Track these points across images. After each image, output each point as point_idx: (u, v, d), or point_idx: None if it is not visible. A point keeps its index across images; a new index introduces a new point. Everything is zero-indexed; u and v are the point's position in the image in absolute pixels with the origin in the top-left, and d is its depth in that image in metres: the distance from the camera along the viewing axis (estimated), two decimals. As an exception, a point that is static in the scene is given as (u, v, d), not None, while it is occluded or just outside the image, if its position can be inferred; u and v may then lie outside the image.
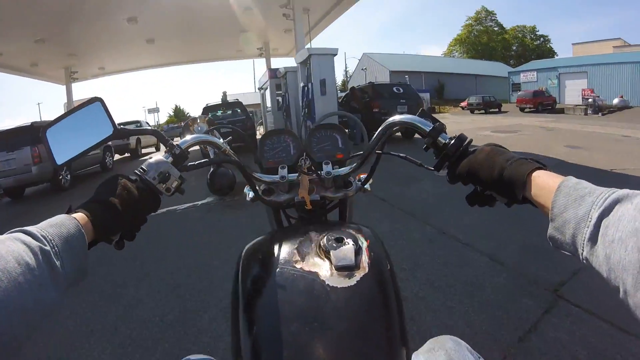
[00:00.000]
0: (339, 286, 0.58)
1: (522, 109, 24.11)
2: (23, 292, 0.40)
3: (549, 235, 0.49)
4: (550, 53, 45.23)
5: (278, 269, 0.64)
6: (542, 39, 47.55)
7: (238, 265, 0.71)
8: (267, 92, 13.49)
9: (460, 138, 0.67)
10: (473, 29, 47.08)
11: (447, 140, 0.68)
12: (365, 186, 0.90)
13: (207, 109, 10.92)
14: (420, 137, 0.73)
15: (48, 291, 0.44)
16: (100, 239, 0.58)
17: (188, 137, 0.74)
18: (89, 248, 0.55)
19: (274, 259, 0.67)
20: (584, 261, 0.43)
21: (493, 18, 47.68)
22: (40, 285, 0.42)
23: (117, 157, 14.74)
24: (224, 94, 12.83)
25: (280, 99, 11.97)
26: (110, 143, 8.47)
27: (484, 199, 0.65)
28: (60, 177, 8.05)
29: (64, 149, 0.67)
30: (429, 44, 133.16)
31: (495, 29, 47.50)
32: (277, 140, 0.99)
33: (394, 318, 0.59)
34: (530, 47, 46.47)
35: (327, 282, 0.58)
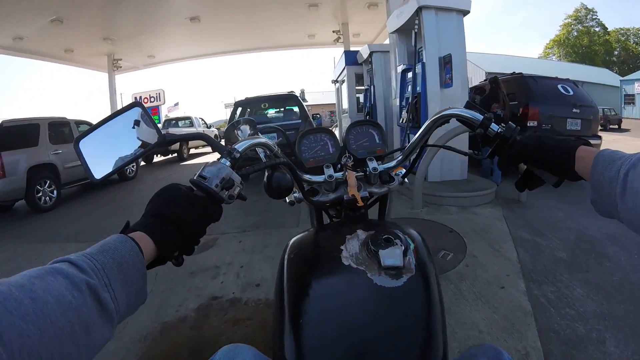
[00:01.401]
0: (386, 285, 0.59)
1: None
2: (64, 338, 0.35)
3: (590, 199, 0.55)
4: (657, 60, 38.20)
5: (326, 264, 0.66)
6: (647, 43, 40.39)
7: (283, 257, 0.72)
8: (344, 87, 10.31)
9: (510, 127, 0.70)
10: (572, 28, 41.16)
11: (499, 129, 0.70)
12: (405, 179, 0.92)
13: (240, 105, 6.76)
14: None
15: (96, 330, 0.40)
16: (166, 257, 0.55)
17: (242, 139, 0.73)
18: (152, 267, 0.54)
19: (322, 254, 0.72)
20: (620, 216, 0.49)
21: (594, 17, 41.40)
22: (86, 326, 0.38)
23: (158, 158, 13.10)
24: (302, 92, 11.30)
25: (361, 96, 9.07)
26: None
27: (533, 181, 0.70)
28: (40, 195, 5.95)
29: (101, 161, 0.63)
30: (516, 47, 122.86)
31: (597, 29, 41.12)
32: (314, 140, 0.97)
33: (437, 323, 0.59)
34: (635, 52, 39.62)
35: (374, 281, 0.59)
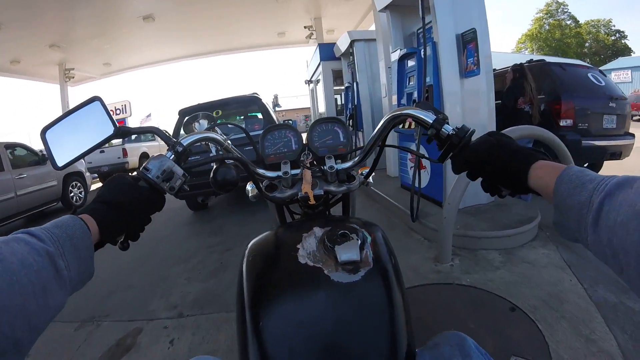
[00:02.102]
0: (343, 281, 0.59)
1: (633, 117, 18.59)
2: (27, 295, 0.39)
3: (554, 222, 0.53)
4: (627, 50, 38.82)
5: (283, 265, 0.66)
6: (617, 34, 40.95)
7: (243, 261, 0.72)
8: (320, 87, 8.83)
9: (463, 129, 0.68)
10: (544, 22, 41.26)
11: (451, 131, 0.69)
12: (368, 180, 0.94)
13: (186, 114, 4.82)
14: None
15: (53, 294, 0.43)
16: (106, 240, 0.59)
17: (190, 134, 0.75)
18: (96, 249, 0.56)
19: (279, 255, 0.71)
20: (589, 246, 0.45)
21: (565, 10, 41.68)
22: (45, 287, 0.42)
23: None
24: (275, 97, 10.95)
25: (340, 97, 7.70)
26: (84, 170, 7.81)
27: (491, 189, 0.65)
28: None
29: (64, 150, 0.67)
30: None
31: (569, 22, 41.42)
32: (278, 136, 0.97)
33: (399, 314, 0.59)
34: (606, 44, 40.07)
35: (331, 277, 0.59)
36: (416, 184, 3.17)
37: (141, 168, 0.66)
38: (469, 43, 3.19)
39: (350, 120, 6.37)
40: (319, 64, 8.06)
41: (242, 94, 5.44)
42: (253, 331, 0.58)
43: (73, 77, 12.16)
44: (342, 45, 6.66)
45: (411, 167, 4.05)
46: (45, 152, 0.69)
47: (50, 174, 6.77)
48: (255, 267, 0.69)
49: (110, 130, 0.68)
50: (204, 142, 0.80)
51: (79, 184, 7.56)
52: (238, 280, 0.69)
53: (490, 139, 0.63)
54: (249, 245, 0.76)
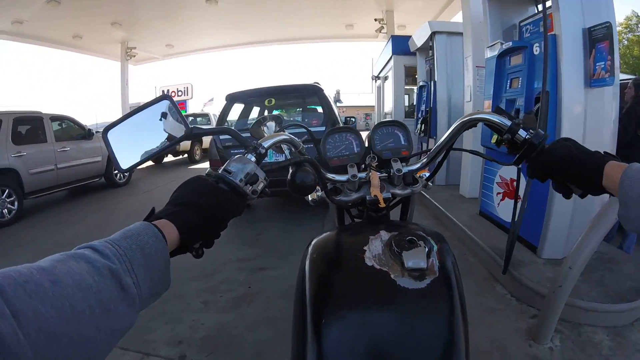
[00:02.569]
0: (409, 287, 0.58)
1: None
2: (82, 321, 0.35)
3: (619, 214, 0.54)
4: None
5: (349, 265, 0.67)
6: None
7: (304, 258, 0.71)
8: (389, 83, 7.89)
9: (539, 134, 0.68)
10: (622, 38, 35.89)
11: (526, 136, 0.69)
12: (429, 182, 0.92)
13: (235, 100, 4.55)
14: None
15: (118, 315, 0.40)
16: (185, 246, 0.56)
17: (268, 136, 0.74)
18: (175, 255, 0.55)
19: (344, 255, 0.72)
20: None
21: (645, 25, 35.82)
22: (108, 310, 0.38)
23: (168, 159, 11.68)
24: (337, 93, 10.45)
25: (409, 97, 6.92)
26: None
27: (563, 189, 0.66)
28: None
29: (128, 152, 0.65)
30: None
31: (649, 38, 35.57)
32: (339, 139, 0.97)
33: (459, 326, 0.58)
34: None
35: (397, 282, 0.59)
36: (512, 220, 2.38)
37: (221, 170, 0.63)
38: (600, 42, 2.31)
39: (423, 125, 5.55)
40: (390, 57, 7.23)
41: (300, 83, 4.64)
42: (313, 330, 0.57)
43: (134, 56, 12.37)
44: (420, 38, 5.81)
45: (498, 194, 3.22)
46: (108, 151, 0.62)
47: (94, 150, 6.69)
48: (319, 265, 0.69)
49: (181, 131, 0.65)
50: (280, 144, 0.78)
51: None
52: (299, 277, 0.69)
53: (566, 143, 0.65)
54: (312, 242, 0.76)
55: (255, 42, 13.55)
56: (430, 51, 5.36)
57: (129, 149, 0.65)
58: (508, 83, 2.98)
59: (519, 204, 2.41)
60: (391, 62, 7.23)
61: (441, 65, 5.15)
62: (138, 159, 0.65)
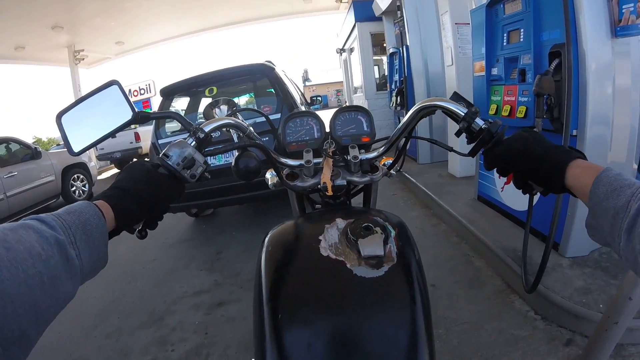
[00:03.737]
0: (366, 276, 0.57)
1: None
2: (33, 286, 0.38)
3: (586, 223, 0.52)
4: None
5: (304, 256, 0.66)
6: None
7: (261, 250, 0.71)
8: (355, 55, 7.43)
9: (496, 123, 0.67)
10: None
11: (483, 125, 0.68)
12: (391, 171, 0.91)
13: (169, 94, 3.79)
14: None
15: (62, 283, 0.42)
16: (122, 228, 0.58)
17: (210, 120, 0.74)
18: (111, 237, 0.56)
19: (300, 246, 0.70)
20: (620, 252, 0.45)
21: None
22: (54, 277, 0.41)
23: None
24: (305, 72, 9.07)
25: (379, 68, 6.30)
26: (87, 160, 7.08)
27: (523, 186, 0.64)
28: None
29: (81, 135, 0.67)
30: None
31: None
32: (300, 123, 0.95)
33: (420, 311, 0.57)
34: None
35: (354, 272, 0.58)
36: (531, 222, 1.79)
37: (161, 154, 0.65)
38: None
39: (398, 97, 4.91)
40: (354, 26, 6.58)
41: (247, 63, 3.80)
42: (271, 324, 0.56)
43: (84, 59, 11.48)
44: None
45: (501, 176, 2.64)
46: (62, 139, 0.65)
47: (46, 169, 6.11)
48: (274, 258, 0.68)
49: (129, 115, 0.67)
50: (225, 129, 0.79)
51: (81, 176, 6.84)
52: (256, 270, 0.68)
53: (525, 134, 0.62)
54: (269, 234, 0.74)
55: (209, 28, 12.58)
56: (399, 12, 4.67)
57: (81, 133, 0.67)
58: (505, 37, 2.34)
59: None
60: (355, 31, 6.63)
61: (413, 27, 4.50)
62: (90, 142, 0.67)
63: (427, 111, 0.77)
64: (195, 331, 2.22)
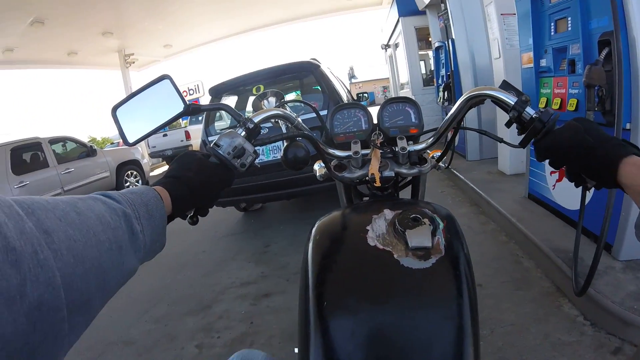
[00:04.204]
0: (413, 267, 0.57)
1: None
2: (102, 251, 0.38)
3: (636, 224, 0.51)
4: None
5: (351, 246, 0.66)
6: None
7: (309, 239, 0.71)
8: (400, 51, 7.24)
9: (548, 112, 0.64)
10: None
11: (534, 114, 0.66)
12: (439, 163, 0.89)
13: (218, 93, 3.92)
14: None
15: (127, 255, 0.43)
16: (177, 214, 0.60)
17: (259, 111, 0.76)
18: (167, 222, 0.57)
19: (347, 235, 0.70)
20: None
21: None
22: (120, 247, 0.41)
23: None
24: (351, 70, 10.34)
25: (425, 63, 6.15)
26: (140, 157, 7.48)
27: (577, 178, 0.62)
28: None
29: (135, 127, 0.70)
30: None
31: None
32: (347, 115, 0.95)
33: (467, 305, 0.55)
34: None
35: (401, 262, 0.57)
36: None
37: (212, 144, 0.67)
38: None
39: (446, 92, 4.78)
40: (397, 21, 6.45)
41: (293, 61, 3.86)
42: (316, 312, 0.57)
43: (134, 63, 12.14)
44: (429, -9, 5.00)
45: (553, 172, 2.50)
46: (117, 130, 0.69)
47: (101, 165, 6.59)
48: (322, 247, 0.68)
49: (180, 107, 0.69)
50: (274, 120, 0.80)
51: (135, 173, 7.31)
52: (303, 260, 0.68)
53: (576, 124, 0.59)
54: (316, 223, 0.75)
55: (254, 28, 12.91)
56: (442, 4, 4.54)
57: (136, 125, 0.70)
58: (552, 27, 2.23)
59: (588, 192, 1.72)
60: (399, 26, 6.49)
61: (458, 20, 4.35)
62: (143, 133, 0.69)
63: (476, 100, 0.75)
64: (240, 320, 2.31)
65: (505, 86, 0.72)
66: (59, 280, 0.31)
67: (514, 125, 0.71)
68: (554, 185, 2.52)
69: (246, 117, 0.72)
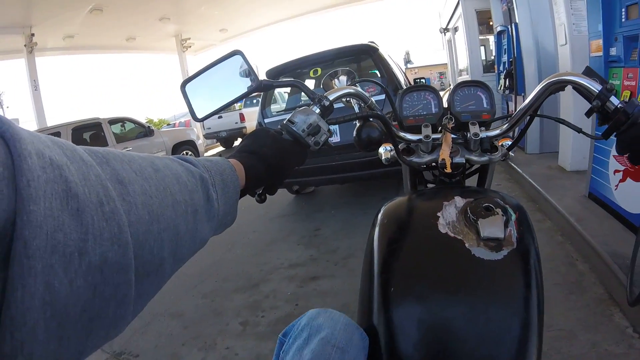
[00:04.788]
0: (485, 258, 0.56)
1: None
2: (178, 212, 0.35)
3: None
4: None
5: (420, 232, 0.64)
6: None
7: (374, 223, 0.70)
8: (459, 35, 6.93)
9: (633, 103, 0.62)
10: None
11: (619, 104, 0.62)
12: (510, 152, 0.86)
13: (272, 75, 3.86)
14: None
15: (201, 222, 0.40)
16: (249, 189, 0.59)
17: (334, 89, 0.74)
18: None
19: (416, 221, 0.69)
20: None
21: None
22: (195, 212, 0.39)
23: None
24: (407, 54, 9.21)
25: (485, 49, 5.90)
26: (196, 138, 7.62)
27: None
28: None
29: (204, 103, 0.69)
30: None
31: None
32: (417, 97, 0.93)
33: (535, 300, 0.54)
34: None
35: (472, 252, 0.56)
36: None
37: (285, 121, 0.65)
38: None
39: (507, 80, 4.53)
40: (457, 3, 6.13)
41: (350, 44, 3.75)
42: (382, 296, 0.56)
43: (190, 47, 12.41)
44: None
45: (617, 171, 2.31)
46: (186, 105, 0.68)
47: (157, 145, 6.85)
48: (389, 231, 0.67)
49: (252, 83, 0.68)
50: (345, 99, 0.77)
51: (190, 153, 7.47)
52: (368, 243, 0.67)
53: None
54: (383, 207, 0.74)
55: (309, 12, 12.75)
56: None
57: (204, 101, 0.69)
58: (623, 12, 2.03)
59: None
60: (459, 9, 6.16)
61: (522, 2, 4.06)
62: (212, 109, 0.69)
63: (557, 87, 0.71)
64: (287, 301, 2.36)
65: (589, 72, 0.69)
66: (128, 237, 0.28)
67: (594, 115, 0.67)
68: (617, 186, 2.33)
69: (321, 95, 0.69)
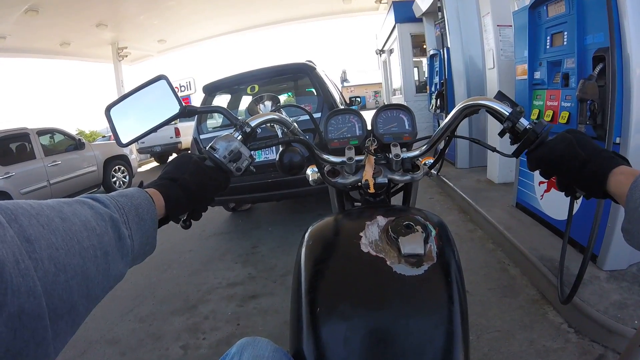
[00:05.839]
0: (406, 274, 0.57)
1: None
2: (87, 259, 0.38)
3: (622, 227, 0.51)
4: None
5: (344, 251, 0.66)
6: None
7: (302, 244, 0.71)
8: (394, 57, 7.34)
9: (541, 124, 0.66)
10: None
11: (528, 125, 0.67)
12: (431, 170, 0.90)
13: (211, 91, 3.86)
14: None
15: (113, 261, 0.42)
16: (170, 217, 0.60)
17: (256, 115, 0.76)
18: (159, 226, 0.56)
19: (340, 241, 0.71)
20: None
21: None
22: (106, 253, 0.41)
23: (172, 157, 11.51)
24: (343, 73, 9.07)
25: (419, 70, 6.25)
26: (129, 153, 7.31)
27: (567, 189, 0.64)
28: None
29: (129, 128, 0.69)
30: None
31: None
32: (342, 120, 0.95)
33: (458, 312, 0.56)
34: None
35: (394, 269, 0.58)
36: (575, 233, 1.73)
37: (208, 147, 0.66)
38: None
39: (438, 100, 4.84)
40: (394, 27, 6.51)
41: (288, 62, 3.87)
42: (309, 317, 0.57)
43: (127, 56, 11.91)
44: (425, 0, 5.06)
45: (542, 183, 2.55)
46: (110, 130, 0.70)
47: (88, 159, 6.44)
48: (315, 252, 0.68)
49: (176, 108, 0.68)
50: (269, 124, 0.79)
51: (122, 168, 7.16)
52: (295, 263, 0.68)
53: (569, 137, 0.60)
54: (309, 228, 0.75)
55: (250, 27, 12.79)
56: (440, 13, 4.60)
57: (129, 125, 0.69)
58: (548, 40, 2.27)
59: (576, 203, 1.76)
60: (395, 32, 6.54)
61: (454, 28, 4.42)
62: (137, 134, 0.68)
63: (471, 110, 0.76)
64: (227, 321, 2.27)
65: (501, 97, 0.73)
66: (39, 289, 0.31)
67: (506, 134, 0.72)
68: (542, 196, 2.57)
69: (243, 120, 0.71)
